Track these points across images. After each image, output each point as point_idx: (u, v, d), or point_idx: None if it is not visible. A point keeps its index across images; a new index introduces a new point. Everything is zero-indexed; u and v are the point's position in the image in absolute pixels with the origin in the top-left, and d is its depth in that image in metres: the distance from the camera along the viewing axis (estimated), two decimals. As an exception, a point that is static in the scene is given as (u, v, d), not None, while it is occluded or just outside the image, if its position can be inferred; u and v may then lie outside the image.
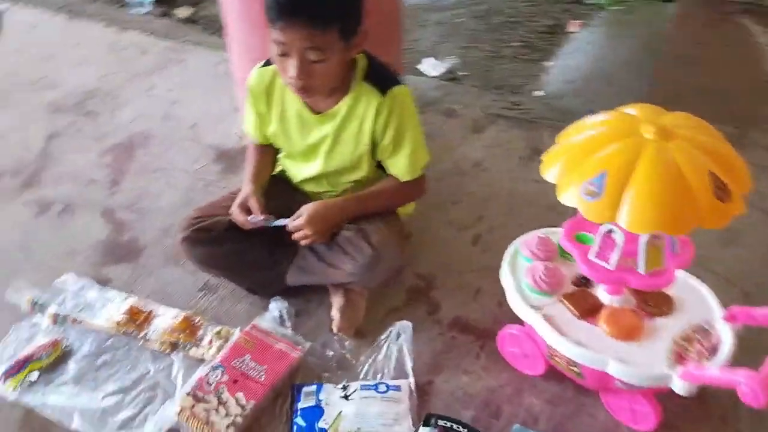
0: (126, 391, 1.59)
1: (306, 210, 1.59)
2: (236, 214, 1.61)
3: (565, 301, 1.44)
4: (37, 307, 1.76)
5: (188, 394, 1.52)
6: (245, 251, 1.69)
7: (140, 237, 1.99)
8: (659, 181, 1.12)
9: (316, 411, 1.50)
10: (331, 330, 1.69)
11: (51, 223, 2.07)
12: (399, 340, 1.63)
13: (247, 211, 1.62)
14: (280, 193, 1.77)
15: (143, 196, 2.14)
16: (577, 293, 1.45)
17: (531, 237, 1.57)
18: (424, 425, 1.41)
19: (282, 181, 1.81)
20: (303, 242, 1.61)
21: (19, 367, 1.62)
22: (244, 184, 1.67)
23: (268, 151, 1.77)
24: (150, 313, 1.74)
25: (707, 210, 1.12)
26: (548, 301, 1.45)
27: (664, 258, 1.28)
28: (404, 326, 1.64)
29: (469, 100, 2.59)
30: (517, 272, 1.52)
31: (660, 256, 1.27)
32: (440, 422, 1.42)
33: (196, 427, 1.46)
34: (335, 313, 1.70)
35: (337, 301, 1.71)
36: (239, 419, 1.47)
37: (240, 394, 1.51)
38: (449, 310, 1.75)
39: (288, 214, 1.63)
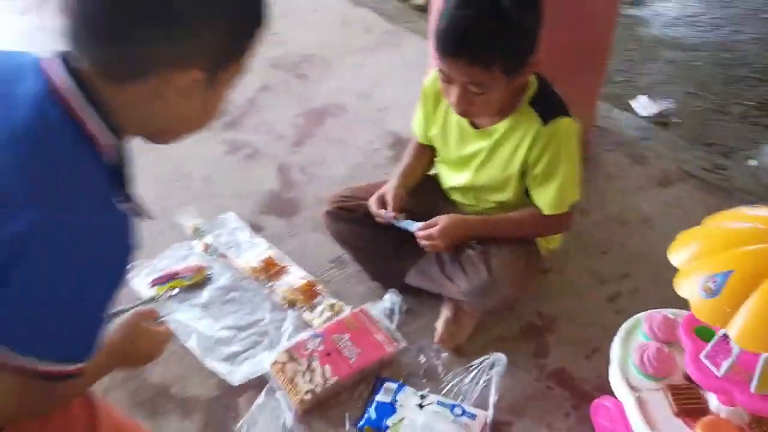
0: (240, 329, 1.75)
1: (442, 221, 1.61)
2: (372, 204, 1.68)
3: (668, 392, 1.32)
4: (198, 233, 1.99)
5: (286, 350, 1.64)
6: (376, 239, 1.76)
7: (301, 198, 2.15)
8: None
9: (389, 408, 1.54)
10: (433, 339, 1.72)
11: (235, 164, 2.31)
12: (491, 370, 1.61)
13: (383, 204, 1.68)
14: (428, 193, 1.81)
15: (317, 162, 2.30)
16: (685, 388, 1.32)
17: (658, 314, 1.45)
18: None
19: (433, 183, 1.84)
20: (427, 249, 1.64)
21: (166, 279, 1.86)
22: (392, 178, 1.73)
23: (426, 153, 1.81)
24: (283, 268, 1.89)
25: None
26: (649, 385, 1.34)
27: (785, 385, 1.12)
28: (499, 358, 1.61)
29: (668, 151, 2.41)
30: (629, 345, 1.42)
31: (780, 381, 1.12)
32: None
33: (282, 382, 1.58)
34: (439, 324, 1.72)
35: (445, 313, 1.73)
36: (318, 389, 1.56)
37: (327, 368, 1.60)
38: (557, 358, 1.68)
39: (426, 217, 1.66)
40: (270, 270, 1.88)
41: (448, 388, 1.61)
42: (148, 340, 1.22)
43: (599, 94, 2.27)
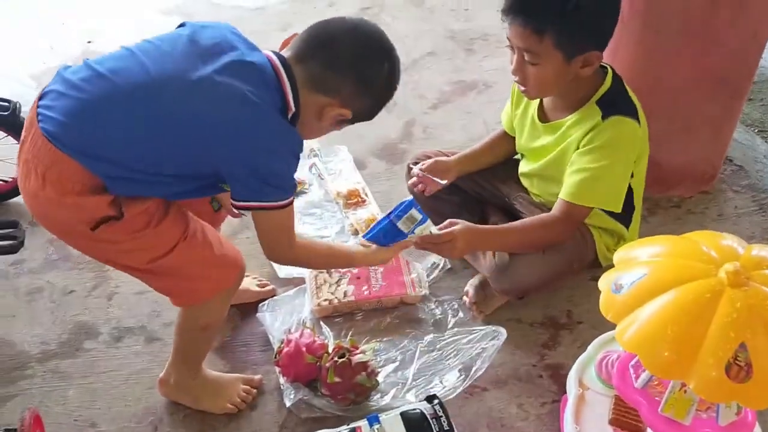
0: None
1: (460, 232, 1.58)
2: (422, 164, 1.81)
3: (613, 400, 1.32)
4: (312, 154, 2.29)
5: (327, 263, 1.88)
6: (440, 199, 1.88)
7: (410, 152, 2.34)
8: (674, 307, 0.98)
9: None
10: (462, 298, 1.83)
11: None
12: (491, 341, 1.69)
13: (433, 171, 1.80)
14: (495, 172, 1.90)
15: (441, 126, 2.47)
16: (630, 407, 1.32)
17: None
18: (426, 400, 1.51)
19: (506, 166, 1.92)
20: (433, 251, 1.65)
21: (270, 181, 2.19)
22: (458, 154, 1.85)
23: (503, 143, 1.88)
24: (363, 201, 2.12)
25: (703, 375, 0.95)
26: (599, 389, 1.36)
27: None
28: (500, 332, 1.69)
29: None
30: (602, 348, 1.43)
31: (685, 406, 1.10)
32: (437, 407, 1.48)
33: (311, 286, 1.82)
34: (470, 288, 1.82)
35: (478, 277, 1.82)
36: (335, 301, 1.79)
37: (350, 288, 1.81)
38: (561, 354, 1.71)
39: (475, 192, 1.78)
40: (351, 199, 2.12)
41: (447, 341, 1.73)
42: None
43: (735, 123, 2.12)
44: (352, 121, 1.41)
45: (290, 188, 1.37)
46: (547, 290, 1.77)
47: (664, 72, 1.89)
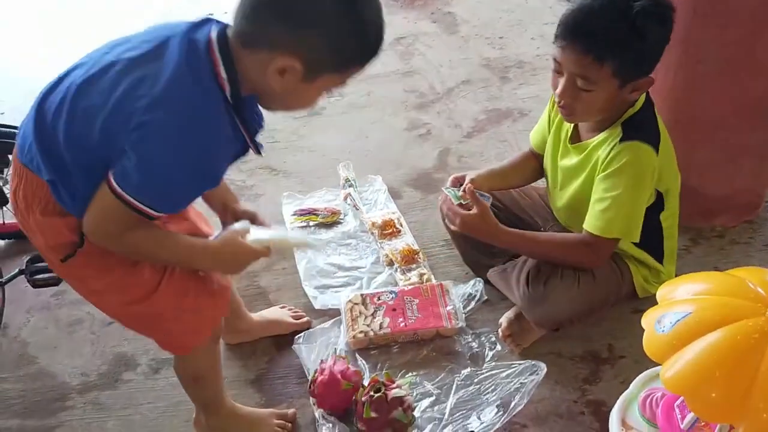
0: (341, 269, 2.03)
1: (471, 216, 1.62)
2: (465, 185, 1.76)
3: (657, 442, 1.28)
4: (347, 184, 2.30)
5: (361, 295, 1.87)
6: None
7: (444, 181, 2.33)
8: (721, 348, 0.95)
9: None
10: (494, 332, 1.80)
11: (407, 139, 2.57)
12: (530, 376, 1.66)
13: (455, 182, 1.77)
14: (532, 204, 1.89)
15: (476, 155, 2.46)
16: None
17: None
18: None
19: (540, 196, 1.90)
20: (452, 211, 1.66)
21: (306, 213, 2.21)
22: (483, 171, 1.82)
23: (529, 163, 1.86)
24: (398, 231, 2.12)
25: (754, 419, 0.91)
26: (643, 428, 1.31)
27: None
28: (540, 367, 1.65)
29: None
30: (646, 386, 1.38)
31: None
32: None
33: (347, 318, 1.82)
34: (504, 320, 1.80)
35: (513, 310, 1.80)
36: (371, 333, 1.77)
37: (386, 320, 1.80)
38: (603, 390, 1.66)
39: (510, 221, 1.75)
40: (386, 229, 2.11)
41: (485, 375, 1.70)
42: (241, 252, 1.33)
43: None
44: (321, 70, 1.16)
45: None
46: (582, 322, 1.73)
47: (705, 101, 1.85)
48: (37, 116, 1.20)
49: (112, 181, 1.14)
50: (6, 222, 2.02)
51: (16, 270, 1.74)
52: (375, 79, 2.89)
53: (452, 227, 1.69)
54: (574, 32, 1.45)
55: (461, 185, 1.75)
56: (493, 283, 1.86)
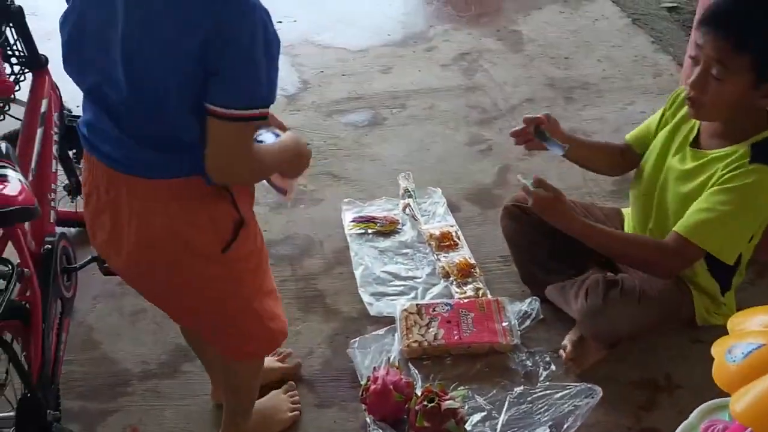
0: (397, 278, 2.05)
1: (545, 196, 1.61)
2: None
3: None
4: (406, 194, 2.32)
5: (417, 305, 1.88)
6: (537, 245, 1.87)
7: (504, 197, 2.31)
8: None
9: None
10: (555, 351, 1.79)
11: (468, 153, 2.58)
12: (584, 399, 1.64)
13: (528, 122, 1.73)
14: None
15: (536, 172, 2.41)
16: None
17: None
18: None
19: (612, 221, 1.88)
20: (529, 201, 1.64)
21: (364, 220, 2.23)
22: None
23: (619, 153, 1.83)
24: (455, 244, 2.13)
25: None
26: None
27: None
28: (596, 391, 1.64)
29: None
30: (706, 417, 1.35)
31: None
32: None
33: (402, 327, 1.83)
34: (567, 342, 1.78)
35: (575, 332, 1.78)
36: (425, 344, 1.78)
37: (441, 331, 1.81)
38: (659, 419, 1.64)
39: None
40: (443, 242, 2.12)
41: (538, 395, 1.69)
42: (304, 145, 1.35)
43: None
44: None
45: None
46: (636, 338, 1.72)
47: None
48: None
49: (218, 109, 1.08)
50: (79, 210, 2.10)
51: (89, 257, 1.81)
52: (437, 93, 2.92)
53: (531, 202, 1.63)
54: (718, 15, 1.45)
55: (536, 128, 1.71)
56: (551, 299, 1.85)
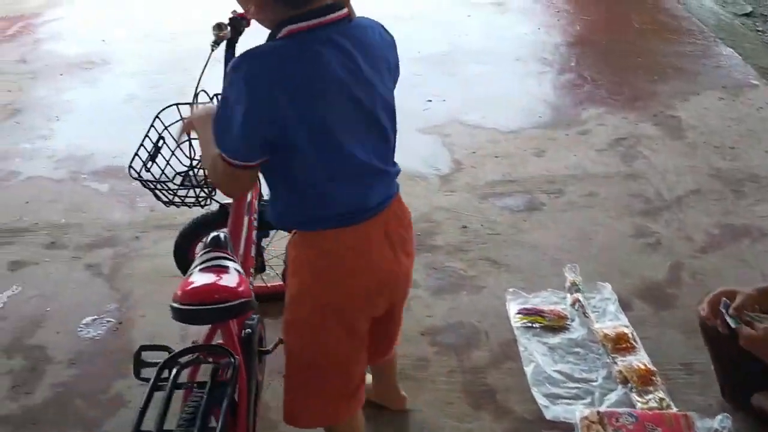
0: (571, 379, 1.97)
1: (756, 338, 1.53)
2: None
3: None
4: (573, 288, 2.25)
5: (599, 413, 1.79)
6: (747, 355, 1.72)
7: (679, 298, 2.23)
8: None
9: None
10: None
11: (635, 246, 2.49)
12: None
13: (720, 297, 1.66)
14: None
15: (711, 275, 2.32)
16: None
17: None
18: None
19: None
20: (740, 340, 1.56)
21: (531, 312, 2.17)
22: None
23: None
24: (632, 347, 2.02)
25: None
26: None
27: None
28: None
29: None
30: None
31: None
32: None
33: (582, 434, 1.74)
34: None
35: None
36: (608, 457, 1.68)
37: (625, 444, 1.70)
38: None
39: None
40: (619, 344, 2.03)
41: None
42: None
43: None
44: None
45: None
46: None
47: None
48: None
49: None
50: (270, 284, 2.21)
51: (277, 339, 1.84)
52: (596, 179, 2.86)
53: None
54: None
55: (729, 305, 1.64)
56: (757, 406, 1.72)
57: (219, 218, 1.96)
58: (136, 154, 1.75)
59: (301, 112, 1.20)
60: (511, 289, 2.28)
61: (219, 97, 1.70)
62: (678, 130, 3.18)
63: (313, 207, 1.33)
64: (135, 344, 2.16)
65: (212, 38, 1.69)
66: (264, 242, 2.16)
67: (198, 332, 2.19)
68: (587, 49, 4.10)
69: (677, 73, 3.71)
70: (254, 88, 1.18)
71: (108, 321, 2.28)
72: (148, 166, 1.76)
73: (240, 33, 1.72)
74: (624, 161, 2.97)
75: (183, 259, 2.17)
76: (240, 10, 1.41)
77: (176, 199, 1.80)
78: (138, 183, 1.75)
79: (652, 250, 2.46)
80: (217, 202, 1.91)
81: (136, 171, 1.73)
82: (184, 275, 2.19)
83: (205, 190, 1.80)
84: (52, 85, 4.04)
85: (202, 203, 1.84)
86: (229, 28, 1.70)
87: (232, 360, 1.36)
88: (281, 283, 2.28)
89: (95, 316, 2.30)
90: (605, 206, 2.70)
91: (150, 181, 1.75)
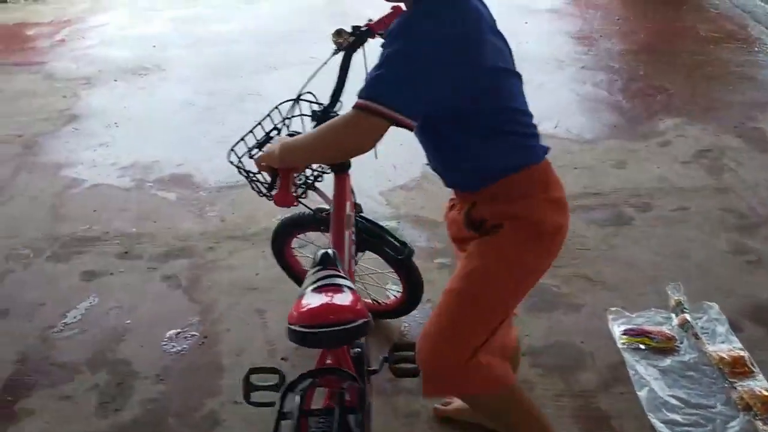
0: (688, 405, 1.87)
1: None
2: None
3: None
4: (679, 308, 2.15)
5: (729, 444, 1.69)
6: None
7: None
8: None
9: None
10: None
11: (736, 264, 2.38)
12: None
13: None
14: None
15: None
16: None
17: None
18: None
19: None
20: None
21: (638, 333, 2.08)
22: None
23: None
24: (751, 372, 1.92)
25: None
26: None
27: None
28: None
29: None
30: None
31: None
32: None
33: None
34: None
35: None
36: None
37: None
38: None
39: None
40: (737, 368, 1.92)
41: None
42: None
43: None
44: None
45: None
46: None
47: None
48: None
49: None
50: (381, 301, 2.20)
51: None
52: (685, 193, 2.75)
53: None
54: None
55: None
56: None
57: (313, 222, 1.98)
58: (242, 139, 1.64)
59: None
60: (613, 309, 2.18)
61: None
62: (763, 142, 3.07)
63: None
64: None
65: (332, 46, 1.63)
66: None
67: (286, 349, 2.14)
68: (653, 57, 4.00)
69: (752, 83, 3.61)
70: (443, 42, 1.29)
71: (192, 335, 2.21)
72: (253, 153, 1.66)
73: (362, 43, 1.65)
74: (711, 174, 2.87)
75: (279, 253, 2.20)
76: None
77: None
78: (234, 169, 1.63)
79: (755, 268, 2.35)
80: (305, 206, 1.83)
81: (237, 156, 1.62)
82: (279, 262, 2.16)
83: (298, 191, 1.72)
84: (107, 92, 4.01)
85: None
86: (350, 36, 1.63)
87: (358, 385, 1.28)
88: (386, 301, 2.22)
89: (178, 330, 2.23)
90: (697, 221, 2.60)
91: (249, 171, 1.65)
